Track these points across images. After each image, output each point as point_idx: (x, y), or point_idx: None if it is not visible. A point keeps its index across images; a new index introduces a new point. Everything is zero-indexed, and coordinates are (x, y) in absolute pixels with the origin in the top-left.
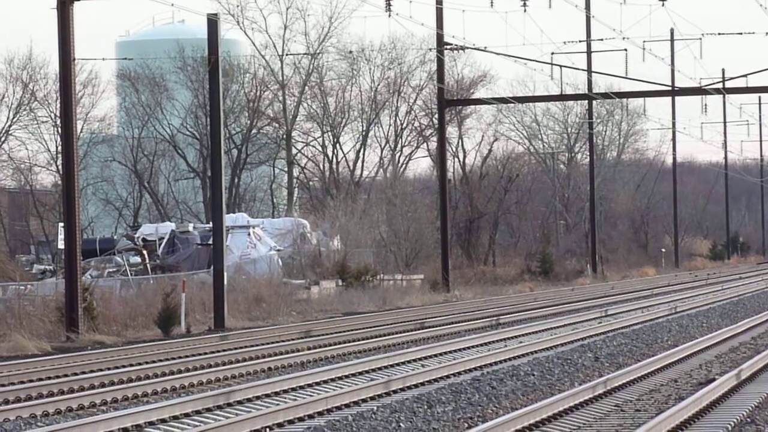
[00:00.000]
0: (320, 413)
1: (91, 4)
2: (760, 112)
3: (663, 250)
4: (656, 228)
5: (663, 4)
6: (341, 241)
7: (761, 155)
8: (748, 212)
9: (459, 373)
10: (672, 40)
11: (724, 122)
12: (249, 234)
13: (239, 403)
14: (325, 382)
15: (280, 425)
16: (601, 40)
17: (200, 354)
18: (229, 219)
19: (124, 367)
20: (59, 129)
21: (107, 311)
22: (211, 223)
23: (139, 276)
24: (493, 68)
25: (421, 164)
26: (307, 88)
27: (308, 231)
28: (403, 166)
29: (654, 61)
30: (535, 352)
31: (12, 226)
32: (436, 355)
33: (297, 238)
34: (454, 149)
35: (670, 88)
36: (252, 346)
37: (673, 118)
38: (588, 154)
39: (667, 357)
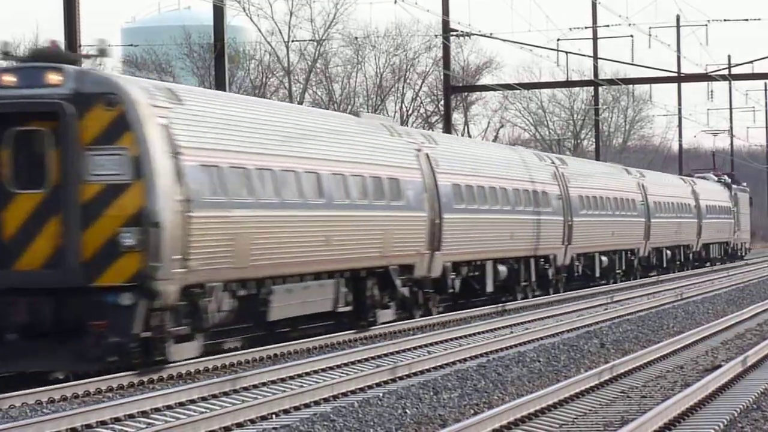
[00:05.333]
0: (326, 400)
1: None
2: (766, 98)
3: None
4: None
5: None
6: None
7: (767, 141)
8: (753, 198)
9: (465, 360)
10: (678, 27)
11: (730, 108)
12: None
13: (245, 389)
14: (330, 368)
15: (286, 411)
16: (608, 26)
17: None
18: None
19: None
20: None
21: None
22: None
23: None
24: (498, 55)
25: None
26: (312, 74)
27: None
28: None
29: (660, 47)
30: (541, 338)
31: None
32: (442, 342)
33: None
34: (459, 135)
35: (676, 75)
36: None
37: (679, 104)
38: (594, 140)
39: (673, 343)
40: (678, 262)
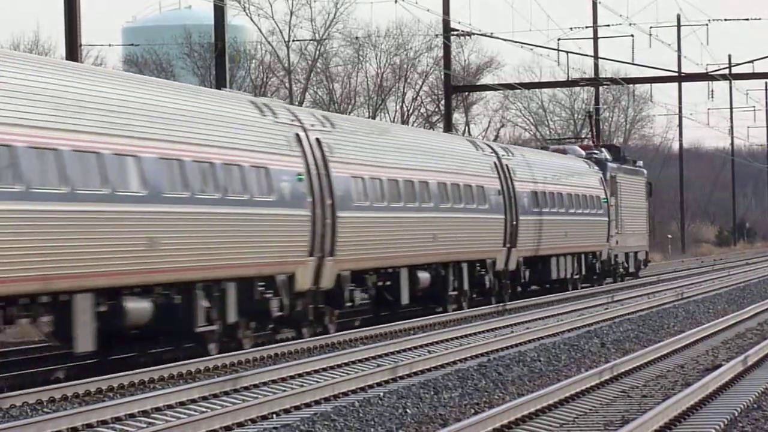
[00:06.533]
0: (327, 399)
1: None
2: (766, 97)
3: (669, 236)
4: (663, 214)
5: None
6: None
7: None
8: (754, 198)
9: (465, 359)
10: (678, 26)
11: (731, 108)
12: None
13: (246, 389)
14: (331, 368)
15: (286, 411)
16: (608, 25)
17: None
18: None
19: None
20: None
21: None
22: None
23: None
24: (499, 54)
25: None
26: (313, 74)
27: None
28: None
29: (661, 46)
30: (542, 338)
31: None
32: (442, 341)
33: None
34: (460, 135)
35: (676, 74)
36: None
37: (680, 103)
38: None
39: (674, 343)
40: (454, 294)
